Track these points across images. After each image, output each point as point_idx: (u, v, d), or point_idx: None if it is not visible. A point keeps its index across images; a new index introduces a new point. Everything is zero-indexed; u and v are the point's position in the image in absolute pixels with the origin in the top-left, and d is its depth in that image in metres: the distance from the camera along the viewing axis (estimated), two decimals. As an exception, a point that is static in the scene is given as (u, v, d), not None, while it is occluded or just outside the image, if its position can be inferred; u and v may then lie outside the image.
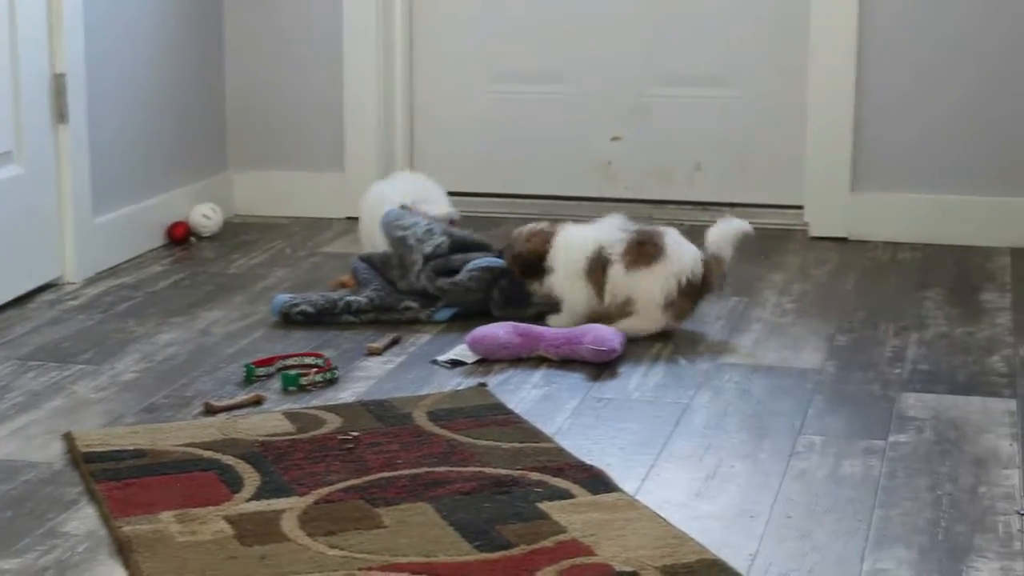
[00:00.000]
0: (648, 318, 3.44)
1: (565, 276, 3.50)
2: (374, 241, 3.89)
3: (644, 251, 3.44)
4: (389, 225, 3.75)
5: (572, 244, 3.52)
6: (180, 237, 4.38)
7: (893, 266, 4.12)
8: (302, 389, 3.09)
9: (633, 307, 3.44)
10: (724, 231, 3.52)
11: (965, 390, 3.08)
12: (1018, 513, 2.47)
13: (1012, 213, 4.30)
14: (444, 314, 3.59)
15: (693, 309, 3.48)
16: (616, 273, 3.45)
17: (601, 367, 3.23)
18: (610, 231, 3.50)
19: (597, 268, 3.47)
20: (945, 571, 2.26)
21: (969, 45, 4.27)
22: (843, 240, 4.39)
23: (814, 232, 4.43)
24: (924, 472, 2.64)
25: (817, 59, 4.37)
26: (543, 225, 3.61)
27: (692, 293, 3.45)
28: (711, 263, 3.47)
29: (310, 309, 3.57)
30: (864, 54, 4.33)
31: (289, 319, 3.56)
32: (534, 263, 3.53)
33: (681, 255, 3.45)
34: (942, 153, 4.34)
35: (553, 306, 3.52)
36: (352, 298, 3.60)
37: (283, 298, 3.60)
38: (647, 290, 3.43)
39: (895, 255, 4.23)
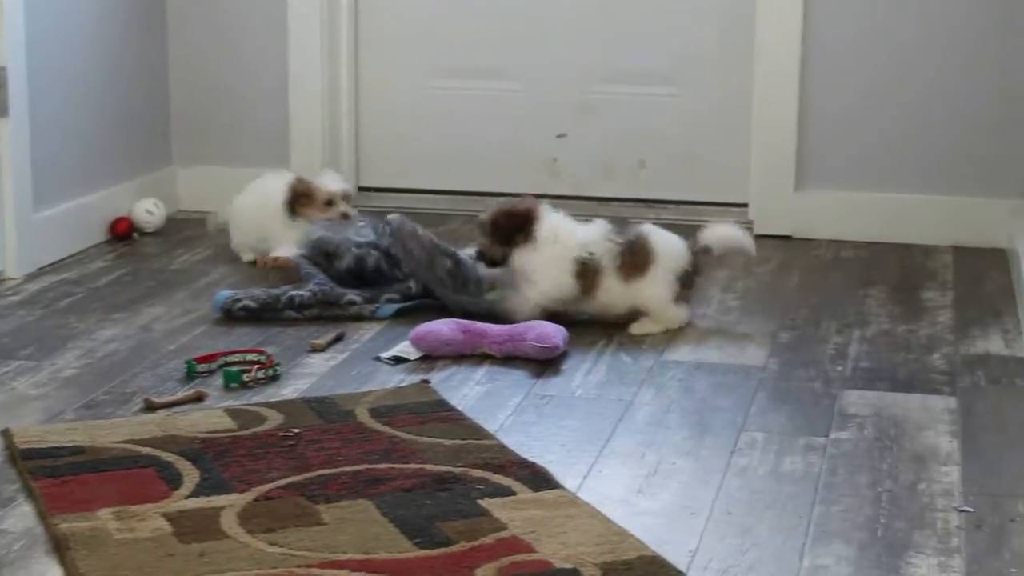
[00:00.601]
0: (666, 318, 3.49)
1: (550, 262, 3.48)
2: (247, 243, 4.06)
3: (637, 260, 3.47)
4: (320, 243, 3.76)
5: (561, 234, 3.51)
6: (123, 232, 4.35)
7: (836, 264, 4.14)
8: (244, 386, 3.07)
9: (644, 311, 3.48)
10: (725, 234, 3.60)
11: (906, 387, 3.10)
12: (957, 510, 2.48)
13: (954, 212, 4.32)
14: (387, 310, 3.59)
15: (689, 296, 3.55)
16: (613, 285, 3.47)
17: (544, 364, 3.22)
18: (597, 239, 3.50)
19: (586, 272, 3.47)
20: (884, 567, 2.28)
21: (910, 47, 4.30)
22: (787, 238, 4.41)
23: (758, 230, 4.44)
24: (864, 469, 2.66)
25: (762, 58, 4.38)
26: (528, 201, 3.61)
27: (688, 281, 3.53)
28: (699, 253, 3.53)
29: (252, 304, 3.55)
30: (809, 54, 4.35)
31: (231, 315, 3.54)
32: (511, 231, 3.51)
33: (671, 251, 3.50)
34: (886, 152, 4.36)
35: (507, 287, 3.52)
36: (295, 292, 3.58)
37: (225, 294, 3.59)
38: (653, 296, 3.48)
39: (839, 253, 4.25)
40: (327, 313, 3.57)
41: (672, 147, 4.60)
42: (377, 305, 3.60)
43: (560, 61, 4.63)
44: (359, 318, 3.56)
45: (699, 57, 4.55)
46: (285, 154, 4.65)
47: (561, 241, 3.50)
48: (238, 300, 3.55)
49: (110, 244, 4.31)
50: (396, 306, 3.60)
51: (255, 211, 4.08)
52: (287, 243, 3.95)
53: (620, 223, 3.61)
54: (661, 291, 3.47)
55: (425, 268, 3.59)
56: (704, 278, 3.63)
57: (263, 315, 3.55)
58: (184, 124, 4.73)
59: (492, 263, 3.55)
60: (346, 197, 4.05)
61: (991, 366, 3.24)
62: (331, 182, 4.07)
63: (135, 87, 4.52)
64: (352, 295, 3.61)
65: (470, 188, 4.69)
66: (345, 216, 3.98)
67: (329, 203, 4.00)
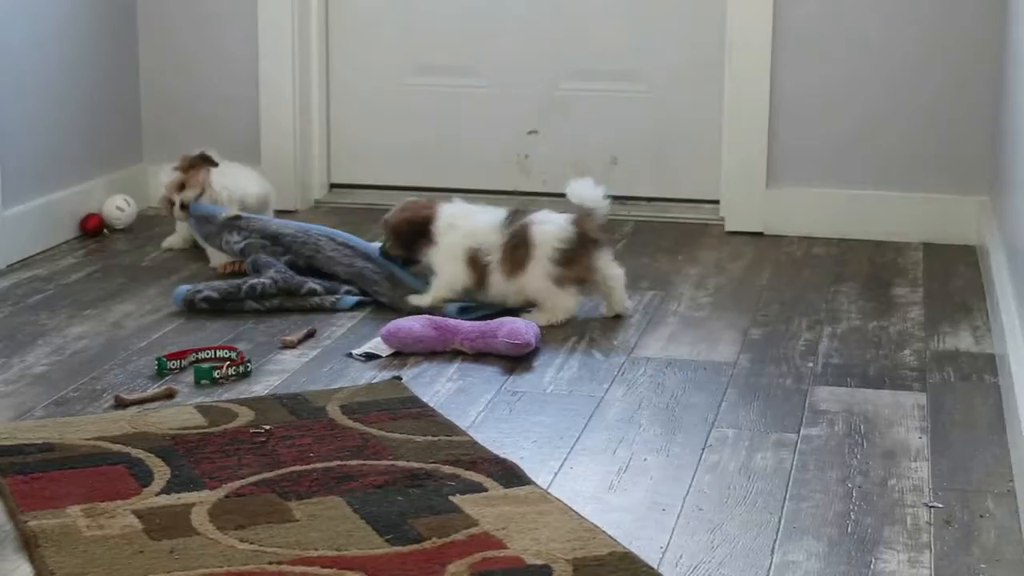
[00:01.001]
0: (556, 309, 3.48)
1: (446, 252, 3.55)
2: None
3: (517, 256, 3.49)
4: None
5: (456, 223, 3.57)
6: (93, 229, 4.33)
7: (808, 261, 4.15)
8: (215, 382, 3.06)
9: (534, 303, 3.49)
10: (581, 189, 3.56)
11: (876, 384, 3.11)
12: (927, 505, 2.49)
13: (924, 208, 4.34)
14: (349, 301, 3.60)
15: (591, 266, 3.50)
16: (497, 281, 3.51)
17: (516, 360, 3.23)
18: (487, 231, 3.54)
19: (476, 263, 3.52)
20: (854, 562, 2.28)
21: (880, 44, 4.31)
22: (759, 235, 4.42)
23: (730, 227, 4.45)
24: (835, 465, 2.67)
25: (733, 55, 4.39)
26: (421, 200, 3.70)
27: (576, 256, 3.48)
28: (582, 220, 3.50)
29: (214, 295, 3.56)
30: (778, 51, 4.36)
31: (193, 306, 3.55)
32: (409, 233, 3.59)
33: (545, 236, 3.48)
34: (857, 149, 4.38)
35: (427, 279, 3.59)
36: (255, 281, 3.60)
37: (185, 287, 3.60)
38: (536, 289, 3.49)
39: (810, 250, 4.26)
40: (288, 304, 3.59)
41: (644, 144, 4.61)
42: (337, 296, 3.62)
43: (531, 58, 4.63)
44: (319, 309, 3.58)
45: (670, 54, 4.55)
46: (256, 151, 4.64)
47: (456, 230, 3.57)
48: (199, 291, 3.57)
49: (80, 240, 4.29)
50: (356, 298, 3.61)
51: None
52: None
53: (517, 212, 3.60)
54: (541, 284, 3.48)
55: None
56: (601, 242, 3.54)
57: (225, 306, 3.56)
58: (155, 121, 4.71)
59: (404, 261, 3.64)
60: (178, 186, 4.06)
61: (961, 362, 3.25)
62: (164, 175, 4.14)
63: (106, 84, 4.50)
64: (313, 283, 3.63)
65: (442, 184, 4.68)
66: (176, 205, 4.04)
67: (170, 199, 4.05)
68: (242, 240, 3.80)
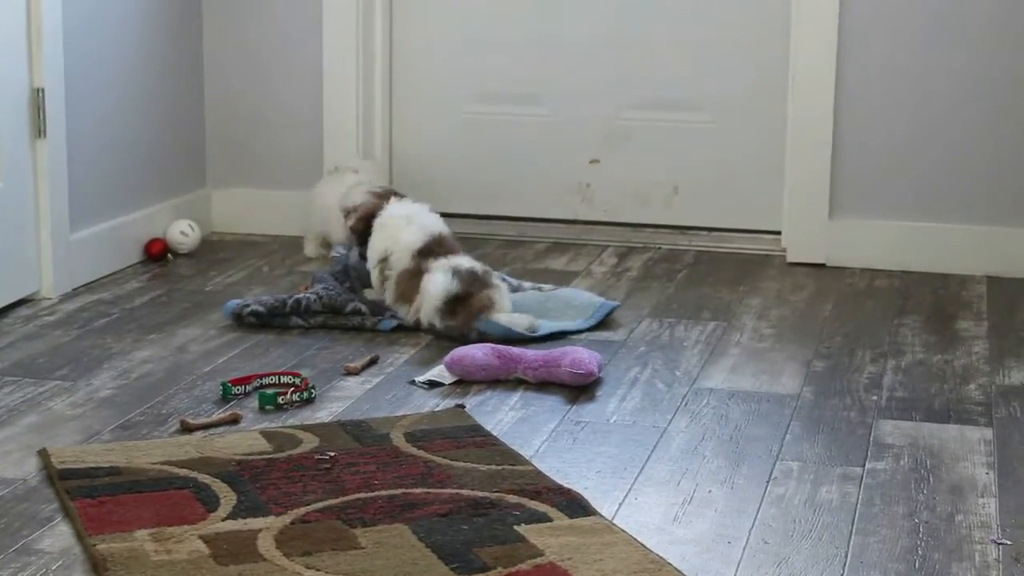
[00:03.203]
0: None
1: (370, 253, 3.77)
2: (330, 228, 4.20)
3: (409, 289, 3.63)
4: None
5: (385, 226, 3.75)
6: (157, 254, 4.37)
7: (870, 292, 4.13)
8: (279, 408, 3.08)
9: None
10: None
11: (942, 418, 3.09)
12: (994, 542, 2.47)
13: (988, 241, 4.31)
14: (388, 324, 3.65)
15: (472, 318, 3.56)
16: (390, 295, 3.71)
17: (579, 390, 3.22)
18: (402, 249, 3.69)
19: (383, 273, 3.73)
20: (922, 599, 2.27)
21: (946, 75, 4.29)
22: (821, 266, 4.40)
23: (792, 258, 4.44)
24: (901, 499, 2.65)
25: (796, 85, 4.39)
26: (377, 191, 3.89)
27: (457, 309, 3.57)
28: (470, 276, 3.60)
29: (260, 309, 3.65)
30: (843, 80, 4.34)
31: (241, 320, 3.65)
32: (363, 231, 3.81)
33: (433, 286, 3.57)
34: (920, 181, 4.35)
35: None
36: (301, 296, 3.68)
37: (235, 301, 3.69)
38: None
39: (872, 282, 4.24)
40: (332, 323, 3.65)
41: (705, 174, 4.61)
42: (380, 318, 3.66)
43: (593, 87, 4.64)
44: (361, 329, 3.63)
45: (733, 84, 4.55)
46: (319, 177, 4.66)
47: (383, 231, 3.75)
48: (247, 306, 3.66)
49: (145, 265, 4.32)
50: (396, 322, 3.64)
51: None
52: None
53: (440, 240, 3.70)
54: (431, 321, 3.57)
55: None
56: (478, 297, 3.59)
57: (271, 321, 3.65)
58: (219, 147, 4.75)
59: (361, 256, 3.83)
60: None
61: (1027, 397, 3.24)
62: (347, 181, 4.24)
63: (171, 110, 4.54)
64: (358, 303, 3.68)
65: (503, 213, 4.70)
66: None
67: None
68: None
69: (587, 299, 3.81)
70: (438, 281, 3.56)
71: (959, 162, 4.32)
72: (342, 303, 3.68)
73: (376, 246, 3.74)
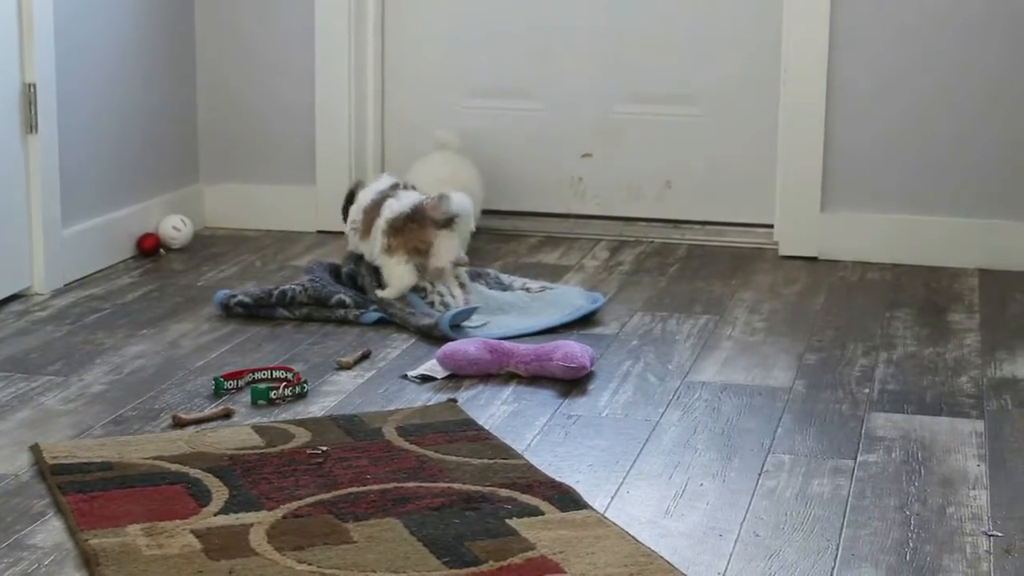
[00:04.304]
0: (392, 278, 3.76)
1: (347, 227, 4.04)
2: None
3: (367, 223, 3.86)
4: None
5: (360, 200, 3.96)
6: (150, 249, 4.37)
7: (862, 286, 4.13)
8: (271, 403, 3.08)
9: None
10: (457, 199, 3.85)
11: (933, 410, 3.09)
12: (985, 534, 2.48)
13: (980, 234, 4.32)
14: (371, 317, 3.67)
15: (422, 239, 3.75)
16: (354, 242, 3.94)
17: (571, 384, 3.23)
18: (361, 203, 3.94)
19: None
20: (913, 591, 2.27)
21: (938, 69, 4.30)
22: (813, 259, 4.41)
23: (784, 251, 4.44)
24: (893, 492, 2.65)
25: (788, 80, 4.39)
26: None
27: (407, 230, 3.76)
28: (428, 203, 3.79)
29: (247, 299, 3.70)
30: (834, 74, 4.35)
31: (229, 311, 3.70)
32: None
33: (386, 209, 3.80)
34: (911, 174, 4.36)
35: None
36: (287, 287, 3.72)
37: (224, 292, 3.74)
38: (374, 255, 3.83)
39: (864, 275, 4.25)
40: (317, 315, 3.69)
41: (698, 168, 4.61)
42: (363, 311, 3.68)
43: (586, 81, 4.64)
44: (344, 322, 3.66)
45: (725, 78, 4.55)
46: (312, 173, 4.67)
47: (357, 205, 3.96)
48: (234, 296, 3.71)
49: (137, 260, 4.32)
50: (379, 315, 3.68)
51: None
52: None
53: (396, 187, 3.92)
54: (376, 250, 3.80)
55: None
56: (438, 223, 3.77)
57: (258, 312, 3.69)
58: (211, 142, 4.75)
59: None
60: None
61: (1019, 389, 3.23)
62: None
63: (163, 104, 4.54)
64: (343, 295, 3.71)
65: (496, 207, 4.70)
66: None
67: None
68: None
69: (572, 301, 3.78)
70: (390, 203, 3.81)
71: (950, 155, 4.33)
72: (327, 295, 3.70)
73: (352, 219, 3.98)
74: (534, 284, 3.88)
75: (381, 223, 3.79)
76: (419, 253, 3.76)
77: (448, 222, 3.78)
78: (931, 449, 2.86)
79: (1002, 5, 4.23)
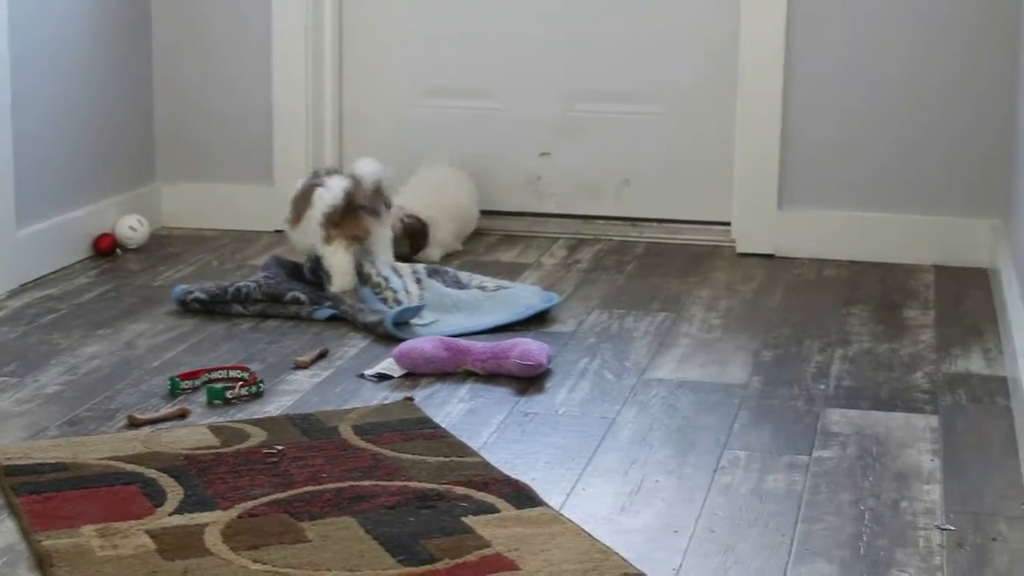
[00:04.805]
0: (331, 267, 3.79)
1: None
2: None
3: (297, 210, 3.90)
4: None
5: None
6: (106, 249, 4.35)
7: (819, 283, 4.15)
8: (227, 403, 3.07)
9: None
10: (363, 164, 3.93)
11: (888, 406, 3.11)
12: (939, 528, 2.49)
13: (936, 231, 4.34)
14: (324, 313, 3.68)
15: (360, 226, 3.83)
16: (288, 231, 4.00)
17: (528, 382, 3.23)
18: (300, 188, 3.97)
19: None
20: (866, 585, 2.29)
21: (893, 66, 4.32)
22: (770, 256, 4.42)
23: (741, 248, 4.46)
24: (847, 487, 2.67)
25: (746, 78, 4.40)
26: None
27: (342, 218, 3.81)
28: (354, 188, 3.84)
29: (203, 296, 3.72)
30: (791, 73, 4.37)
31: (186, 306, 3.72)
32: None
33: (322, 196, 3.84)
34: (868, 172, 4.38)
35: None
36: (242, 283, 3.74)
37: (182, 287, 3.77)
38: (312, 244, 3.86)
39: (821, 272, 4.27)
40: (271, 311, 3.70)
41: (656, 166, 4.62)
42: (316, 307, 3.68)
43: (544, 80, 4.64)
44: (297, 318, 3.67)
45: (683, 76, 4.56)
46: (269, 172, 4.66)
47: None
48: (191, 292, 3.74)
49: (93, 260, 4.30)
50: (332, 311, 3.68)
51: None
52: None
53: (316, 174, 3.97)
54: (314, 239, 3.82)
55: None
56: (368, 207, 3.85)
57: (214, 307, 3.72)
58: (168, 141, 4.73)
59: None
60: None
61: (972, 385, 3.26)
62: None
63: (119, 104, 4.52)
64: (298, 292, 3.73)
65: (454, 206, 4.69)
66: None
67: None
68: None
69: (525, 300, 3.77)
70: (321, 194, 3.84)
71: (907, 153, 4.35)
72: (282, 291, 3.71)
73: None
74: (490, 282, 3.87)
75: (316, 215, 3.82)
76: (358, 240, 3.81)
77: (379, 206, 3.87)
78: (885, 444, 2.88)
79: (960, 3, 4.25)
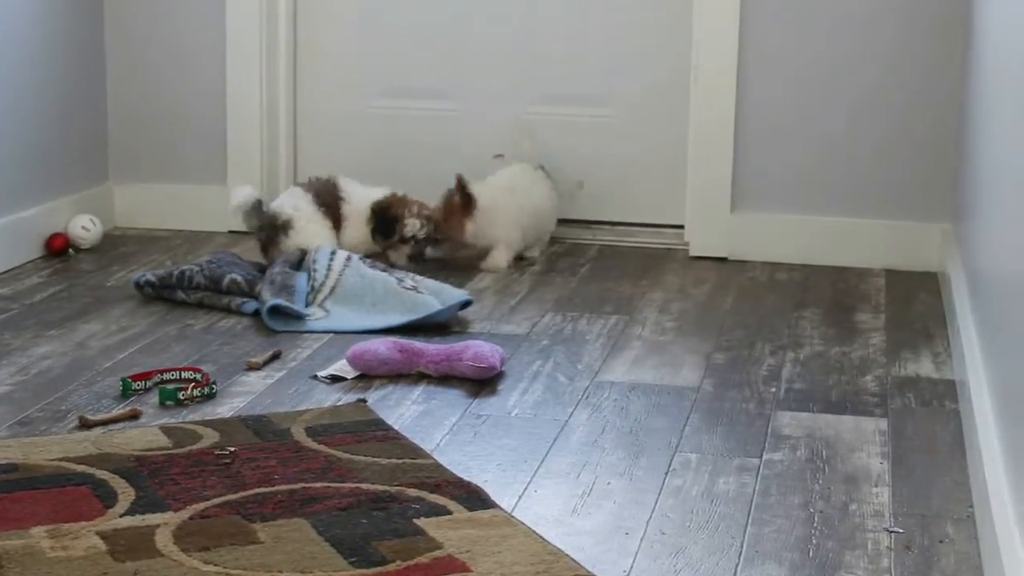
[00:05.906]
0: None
1: None
2: None
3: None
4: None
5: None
6: (58, 249, 4.33)
7: (771, 286, 4.18)
8: (180, 404, 3.06)
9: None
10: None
11: (838, 409, 3.13)
12: (887, 530, 2.51)
13: (887, 235, 4.38)
14: (250, 307, 3.72)
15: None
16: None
17: (481, 384, 3.24)
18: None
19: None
20: (815, 587, 2.30)
21: (844, 73, 4.35)
22: (723, 260, 4.44)
23: (694, 252, 4.48)
24: (797, 490, 2.68)
25: (698, 82, 4.42)
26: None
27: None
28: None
29: (153, 279, 3.84)
30: (743, 78, 4.39)
31: (141, 289, 3.87)
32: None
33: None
34: (820, 176, 4.41)
35: None
36: (186, 267, 3.85)
37: (138, 273, 3.90)
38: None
39: (773, 275, 4.29)
40: (208, 301, 3.77)
41: (609, 169, 4.63)
42: (244, 300, 3.75)
43: (498, 82, 4.65)
44: (227, 310, 3.73)
45: (636, 80, 4.58)
46: (223, 171, 4.65)
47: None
48: (144, 276, 3.87)
49: (45, 260, 4.28)
50: (255, 305, 3.71)
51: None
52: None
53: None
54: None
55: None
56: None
57: (162, 292, 3.83)
58: (121, 141, 4.71)
59: None
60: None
61: (922, 388, 3.28)
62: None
63: (72, 103, 4.50)
64: (236, 275, 3.79)
65: (408, 207, 4.69)
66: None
67: None
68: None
69: (429, 303, 3.67)
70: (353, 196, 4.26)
71: (858, 158, 4.38)
72: (221, 275, 3.78)
73: None
74: (410, 280, 3.79)
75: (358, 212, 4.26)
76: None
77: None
78: (835, 447, 2.90)
79: (916, 10, 4.28)
